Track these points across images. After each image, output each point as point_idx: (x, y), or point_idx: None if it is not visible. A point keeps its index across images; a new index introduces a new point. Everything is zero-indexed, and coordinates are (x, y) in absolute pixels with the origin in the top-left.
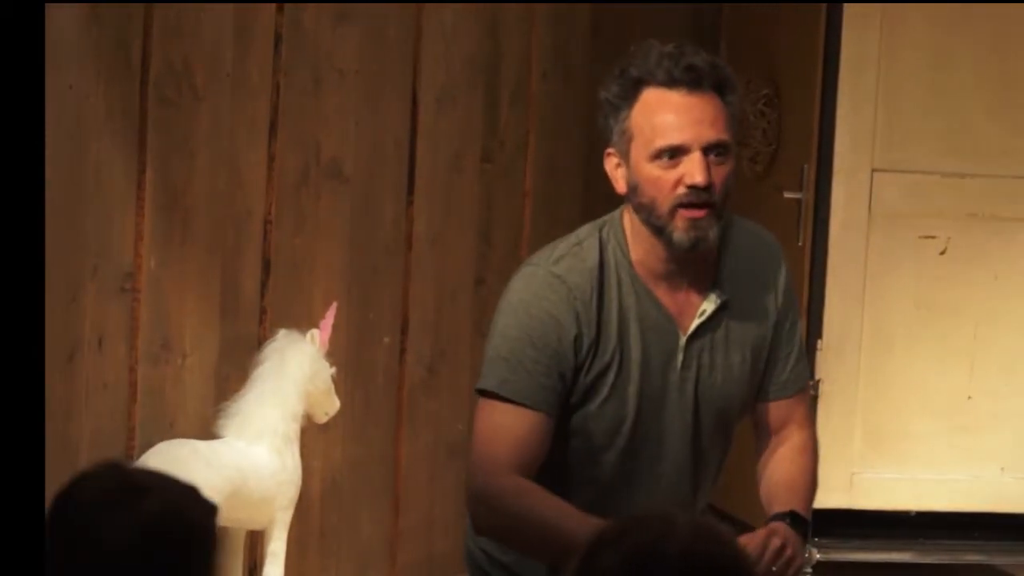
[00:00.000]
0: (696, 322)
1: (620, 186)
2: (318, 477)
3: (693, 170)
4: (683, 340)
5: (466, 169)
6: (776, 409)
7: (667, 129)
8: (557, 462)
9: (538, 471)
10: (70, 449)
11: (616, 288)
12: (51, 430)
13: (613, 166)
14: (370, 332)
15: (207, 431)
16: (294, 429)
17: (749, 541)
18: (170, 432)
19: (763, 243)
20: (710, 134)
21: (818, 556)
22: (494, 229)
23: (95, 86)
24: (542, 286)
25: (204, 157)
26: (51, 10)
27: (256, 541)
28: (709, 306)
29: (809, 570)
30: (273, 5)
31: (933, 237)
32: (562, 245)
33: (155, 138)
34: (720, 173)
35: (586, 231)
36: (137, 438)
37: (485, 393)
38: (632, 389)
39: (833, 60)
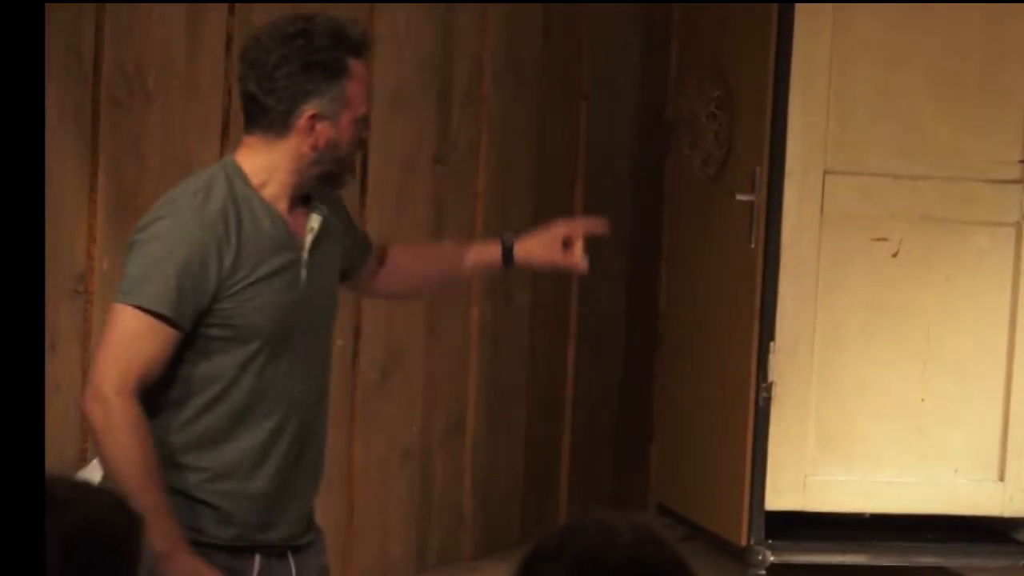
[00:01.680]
0: (308, 238)
1: (318, 141)
2: None
3: (367, 130)
4: (305, 255)
5: (418, 170)
6: (371, 262)
7: (366, 98)
8: (211, 375)
9: (197, 385)
10: None
11: (250, 215)
12: None
13: (313, 124)
14: None
15: None
16: None
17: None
18: None
19: None
20: None
21: (772, 558)
22: (446, 230)
23: (46, 88)
24: (185, 213)
25: (156, 159)
26: None
27: None
28: (315, 224)
29: (763, 572)
30: (224, 6)
31: (885, 239)
32: (190, 186)
33: (107, 140)
34: None
35: (205, 177)
36: (90, 441)
37: (128, 306)
38: (272, 299)
39: (785, 62)
